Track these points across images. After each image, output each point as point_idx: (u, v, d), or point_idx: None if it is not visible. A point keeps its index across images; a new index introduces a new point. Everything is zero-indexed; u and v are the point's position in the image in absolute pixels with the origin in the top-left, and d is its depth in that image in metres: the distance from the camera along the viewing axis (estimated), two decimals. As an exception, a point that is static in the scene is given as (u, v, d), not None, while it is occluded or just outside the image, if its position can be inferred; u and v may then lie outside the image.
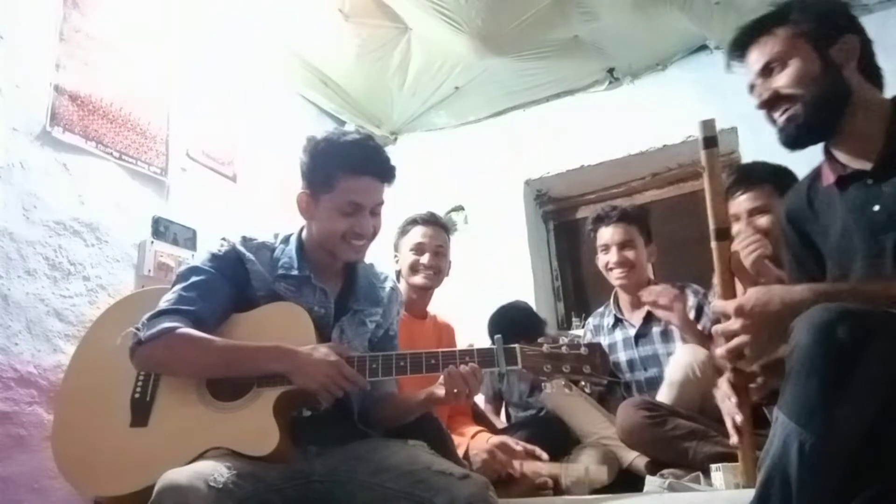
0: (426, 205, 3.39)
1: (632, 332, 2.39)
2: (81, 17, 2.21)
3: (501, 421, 2.59)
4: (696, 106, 2.86)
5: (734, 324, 1.18)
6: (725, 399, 1.41)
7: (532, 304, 2.91)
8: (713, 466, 1.70)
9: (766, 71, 1.33)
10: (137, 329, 1.44)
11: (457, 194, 3.58)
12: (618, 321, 2.46)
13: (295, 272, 1.57)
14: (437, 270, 2.33)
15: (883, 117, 1.26)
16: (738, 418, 1.36)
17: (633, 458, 2.03)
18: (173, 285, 1.54)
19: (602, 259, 2.45)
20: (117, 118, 2.27)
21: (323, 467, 1.42)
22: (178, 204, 2.44)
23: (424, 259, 2.30)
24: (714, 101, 2.78)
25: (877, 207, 1.21)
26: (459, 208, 3.58)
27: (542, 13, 2.77)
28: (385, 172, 1.58)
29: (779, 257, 1.82)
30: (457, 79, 3.24)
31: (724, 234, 1.29)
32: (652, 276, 2.50)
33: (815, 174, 1.40)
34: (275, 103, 3.12)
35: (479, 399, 2.61)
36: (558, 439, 2.18)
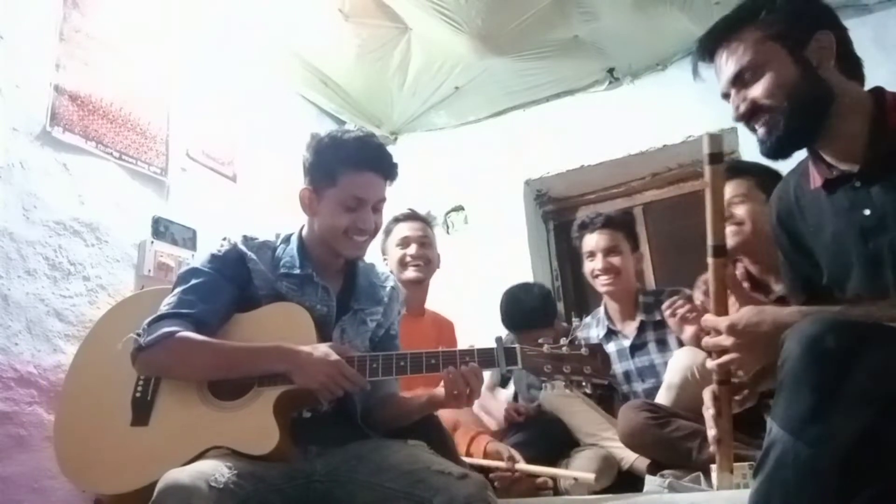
0: (426, 205, 3.41)
1: (626, 343, 2.37)
2: (81, 17, 2.21)
3: (499, 405, 2.53)
4: (696, 106, 2.86)
5: (725, 340, 1.19)
6: (705, 410, 1.42)
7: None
8: (713, 466, 1.70)
9: (739, 80, 1.28)
10: (138, 335, 1.45)
11: (457, 194, 3.58)
12: (610, 332, 2.43)
13: (297, 271, 1.58)
14: (427, 261, 2.35)
15: (864, 114, 1.22)
16: (712, 433, 1.40)
17: (634, 460, 2.03)
18: (174, 288, 1.54)
19: (588, 266, 2.44)
20: (117, 118, 2.27)
21: (323, 467, 1.42)
22: (178, 204, 2.44)
23: (411, 250, 2.34)
24: (714, 101, 2.73)
25: (867, 212, 1.19)
26: (459, 208, 3.59)
27: (542, 13, 2.77)
28: (387, 169, 1.60)
29: (755, 246, 1.85)
30: (457, 79, 3.24)
31: (721, 252, 1.29)
32: (639, 284, 2.49)
33: (801, 172, 1.36)
34: (275, 103, 3.12)
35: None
36: (557, 441, 2.18)
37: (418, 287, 2.35)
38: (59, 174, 2.06)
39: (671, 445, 1.86)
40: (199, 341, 1.42)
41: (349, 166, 1.54)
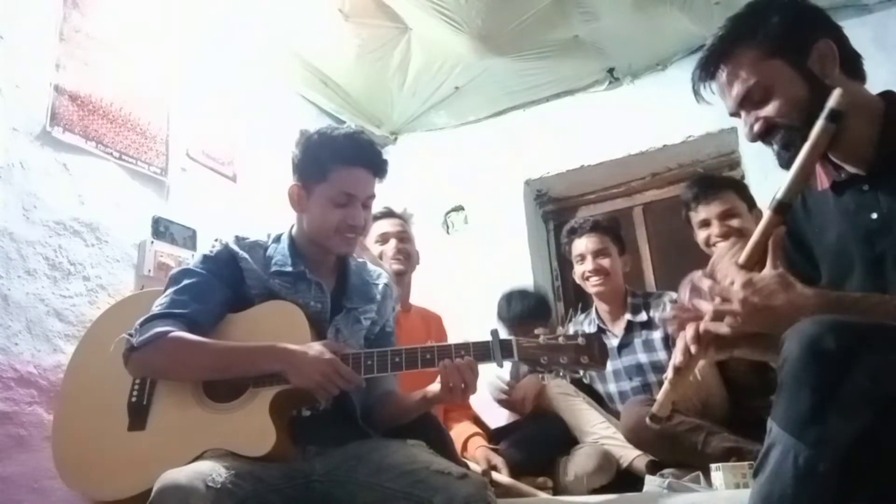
0: (426, 205, 3.42)
1: (615, 342, 2.39)
2: (81, 17, 2.22)
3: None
4: (696, 106, 2.83)
5: (736, 293, 1.12)
6: (679, 341, 1.27)
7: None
8: (713, 466, 1.71)
9: (748, 101, 1.26)
10: (130, 335, 1.43)
11: (457, 194, 3.58)
12: (601, 331, 2.45)
13: (289, 268, 1.57)
14: (406, 255, 2.37)
15: (874, 117, 1.21)
16: (679, 359, 1.23)
17: (633, 458, 2.04)
18: (165, 289, 1.53)
19: (578, 269, 2.50)
20: (117, 118, 2.27)
21: (323, 467, 1.42)
22: (178, 204, 2.44)
23: (390, 246, 2.34)
24: (714, 101, 2.77)
25: (874, 215, 1.19)
26: (459, 208, 3.59)
27: (542, 13, 2.78)
28: (378, 165, 1.59)
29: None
30: (457, 79, 3.24)
31: (784, 210, 1.18)
32: (627, 286, 2.51)
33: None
34: (275, 103, 3.12)
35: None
36: (557, 439, 2.18)
37: (401, 281, 2.36)
38: (59, 174, 2.06)
39: (676, 440, 1.86)
40: (193, 341, 1.42)
41: (339, 162, 1.53)
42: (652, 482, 1.77)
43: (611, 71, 3.28)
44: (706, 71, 1.31)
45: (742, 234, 2.07)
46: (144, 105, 2.39)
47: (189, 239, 2.43)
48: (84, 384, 1.59)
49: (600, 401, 2.35)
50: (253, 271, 1.55)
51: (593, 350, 1.42)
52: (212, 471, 1.21)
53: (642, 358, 2.33)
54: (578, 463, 2.03)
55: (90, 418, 1.52)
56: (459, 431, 2.18)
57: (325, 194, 1.54)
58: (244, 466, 1.28)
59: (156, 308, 1.47)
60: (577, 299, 3.56)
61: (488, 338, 1.45)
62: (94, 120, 2.19)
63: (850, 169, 1.24)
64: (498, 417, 2.54)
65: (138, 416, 1.46)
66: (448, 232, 3.58)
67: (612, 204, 3.57)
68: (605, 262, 2.42)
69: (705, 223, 2.18)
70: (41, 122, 2.03)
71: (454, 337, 2.52)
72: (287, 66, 3.10)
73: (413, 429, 1.55)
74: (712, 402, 2.01)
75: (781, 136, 1.23)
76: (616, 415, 2.22)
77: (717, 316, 1.16)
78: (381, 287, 1.70)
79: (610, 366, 2.37)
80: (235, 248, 1.57)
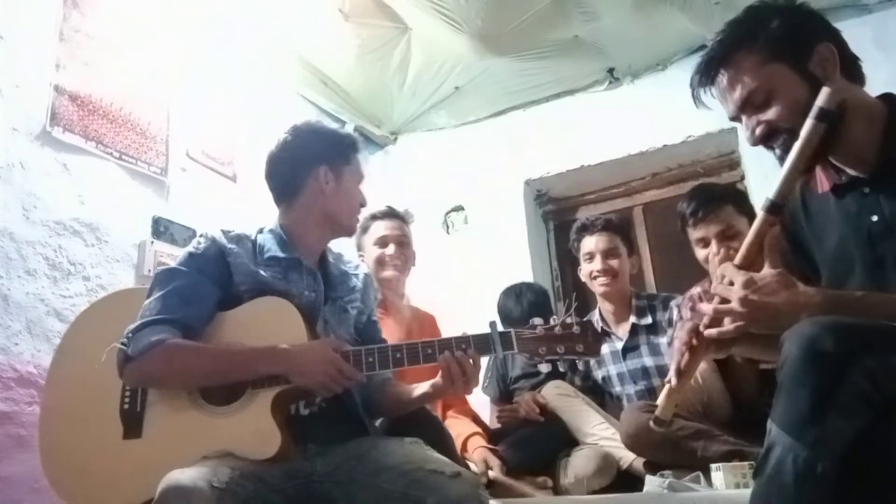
0: (426, 205, 3.42)
1: (619, 345, 2.38)
2: (81, 17, 2.22)
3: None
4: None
5: (736, 293, 1.12)
6: (677, 342, 1.30)
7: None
8: (713, 466, 1.71)
9: (749, 105, 1.25)
10: (123, 344, 1.38)
11: (457, 194, 3.58)
12: (604, 333, 2.44)
13: (282, 254, 1.55)
14: (404, 259, 2.37)
15: (874, 120, 1.20)
16: (683, 358, 1.23)
17: (633, 459, 2.03)
18: (151, 290, 1.46)
19: (586, 268, 2.47)
20: (117, 118, 2.27)
21: (323, 466, 1.41)
22: (178, 204, 2.44)
23: (389, 250, 2.34)
24: (714, 101, 2.77)
25: (875, 218, 1.19)
26: (459, 208, 3.59)
27: (542, 13, 2.78)
28: None
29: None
30: (457, 79, 3.25)
31: (776, 211, 1.19)
32: (633, 288, 2.50)
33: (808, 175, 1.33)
34: (275, 103, 3.12)
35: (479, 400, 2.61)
36: (556, 440, 2.18)
37: (397, 284, 2.36)
38: (59, 174, 2.06)
39: (676, 445, 1.85)
40: (191, 348, 1.39)
41: (353, 148, 1.69)
42: (652, 482, 1.77)
43: (611, 71, 3.29)
44: (706, 75, 1.30)
45: None
46: (144, 105, 2.39)
47: (189, 239, 2.42)
48: (69, 397, 1.50)
49: (600, 401, 2.35)
50: (241, 265, 1.51)
51: (588, 337, 1.43)
52: (215, 471, 1.20)
53: (648, 362, 2.31)
54: (578, 465, 2.03)
55: (81, 430, 1.45)
56: (459, 430, 2.17)
57: (353, 176, 1.67)
58: (247, 467, 1.28)
59: (146, 313, 1.41)
60: (578, 299, 3.57)
61: (487, 330, 1.46)
62: (94, 120, 2.19)
63: (851, 171, 1.24)
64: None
65: (133, 423, 1.41)
66: (448, 232, 3.58)
67: (612, 204, 3.57)
68: (615, 262, 2.40)
69: (704, 242, 2.12)
70: (41, 122, 2.03)
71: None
72: (287, 66, 3.10)
73: (412, 427, 1.55)
74: (714, 405, 2.00)
75: (783, 140, 1.23)
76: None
77: (717, 316, 1.16)
78: (361, 276, 1.71)
79: (614, 369, 2.38)
80: (223, 240, 1.53)
